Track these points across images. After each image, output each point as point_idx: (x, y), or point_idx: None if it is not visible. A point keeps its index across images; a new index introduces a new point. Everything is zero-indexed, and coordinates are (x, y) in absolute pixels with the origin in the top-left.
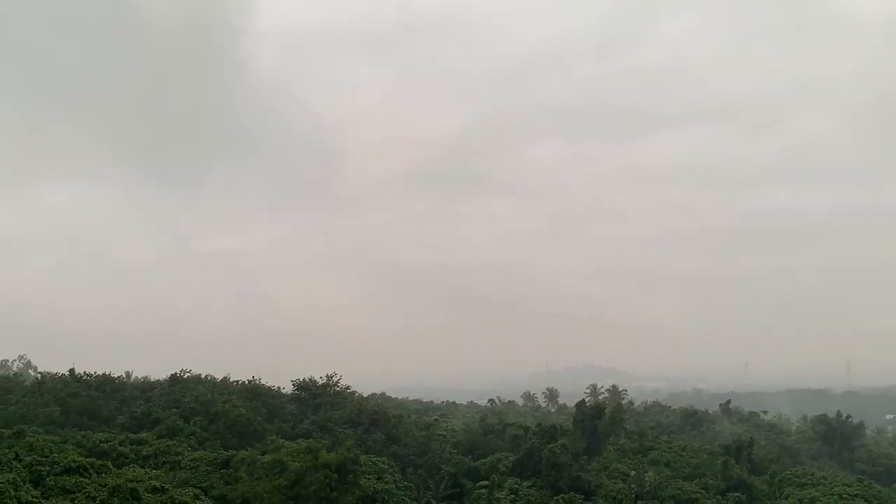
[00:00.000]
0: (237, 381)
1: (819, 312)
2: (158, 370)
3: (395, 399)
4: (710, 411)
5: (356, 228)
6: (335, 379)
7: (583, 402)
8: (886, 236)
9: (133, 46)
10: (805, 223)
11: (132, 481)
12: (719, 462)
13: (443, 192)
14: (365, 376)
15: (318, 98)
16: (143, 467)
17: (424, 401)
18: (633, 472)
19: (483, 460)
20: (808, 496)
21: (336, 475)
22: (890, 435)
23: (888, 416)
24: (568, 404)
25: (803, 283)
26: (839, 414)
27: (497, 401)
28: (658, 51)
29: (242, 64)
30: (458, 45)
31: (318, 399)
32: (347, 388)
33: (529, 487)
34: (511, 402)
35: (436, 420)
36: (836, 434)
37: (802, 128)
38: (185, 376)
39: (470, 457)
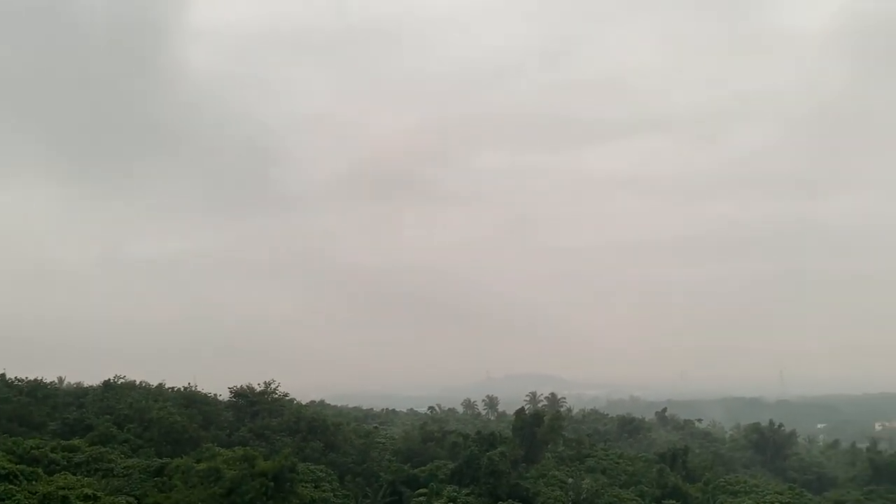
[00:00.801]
0: (172, 388)
1: (755, 322)
2: (92, 376)
3: (335, 406)
4: (647, 419)
5: (298, 233)
6: (273, 386)
7: (522, 409)
8: (821, 249)
9: (59, 43)
10: (743, 234)
11: (63, 489)
12: (655, 470)
13: (388, 197)
14: (304, 384)
15: (257, 100)
16: (74, 474)
17: (364, 408)
18: (570, 480)
19: (422, 468)
20: None
21: (272, 483)
22: (821, 444)
23: (819, 426)
24: (508, 412)
25: (740, 294)
26: (772, 423)
27: (437, 408)
28: (601, 62)
29: (176, 64)
30: (405, 52)
31: (256, 406)
32: (286, 395)
33: (468, 495)
34: (451, 410)
35: (375, 428)
36: (768, 442)
37: (741, 140)
38: (119, 382)
39: (409, 464)
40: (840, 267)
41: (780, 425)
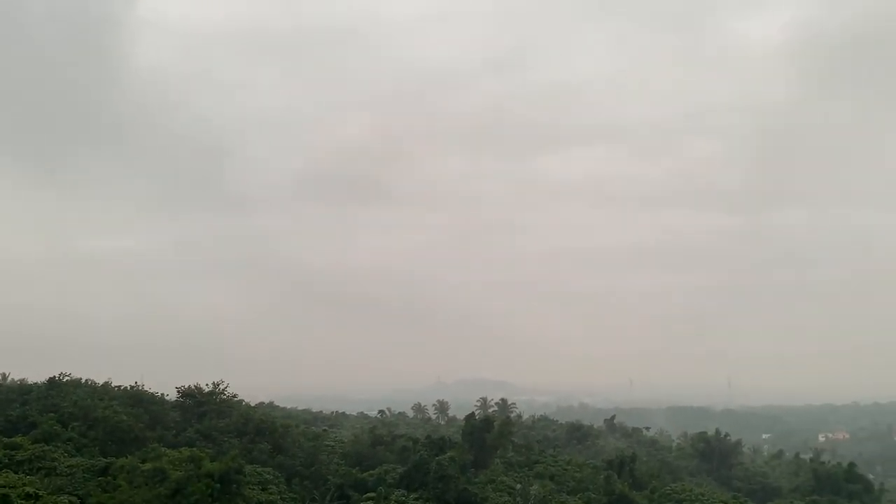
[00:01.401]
0: (119, 387)
1: (703, 332)
2: (36, 373)
3: (284, 409)
4: (596, 426)
5: (249, 232)
6: (222, 387)
7: (472, 414)
8: (767, 260)
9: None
10: (693, 245)
11: (4, 487)
12: (602, 476)
13: (341, 199)
14: (254, 385)
15: (209, 98)
16: (16, 473)
17: (314, 411)
18: (518, 486)
19: (371, 472)
20: None
21: (219, 485)
22: (765, 454)
23: (764, 436)
24: (458, 417)
25: (689, 303)
26: (718, 432)
27: (387, 412)
28: (557, 71)
29: (126, 58)
30: (360, 55)
31: (203, 407)
32: (234, 396)
33: (416, 499)
34: (402, 414)
35: (324, 430)
36: (714, 451)
37: (692, 152)
38: (65, 380)
39: (357, 468)
40: (785, 278)
41: (726, 434)
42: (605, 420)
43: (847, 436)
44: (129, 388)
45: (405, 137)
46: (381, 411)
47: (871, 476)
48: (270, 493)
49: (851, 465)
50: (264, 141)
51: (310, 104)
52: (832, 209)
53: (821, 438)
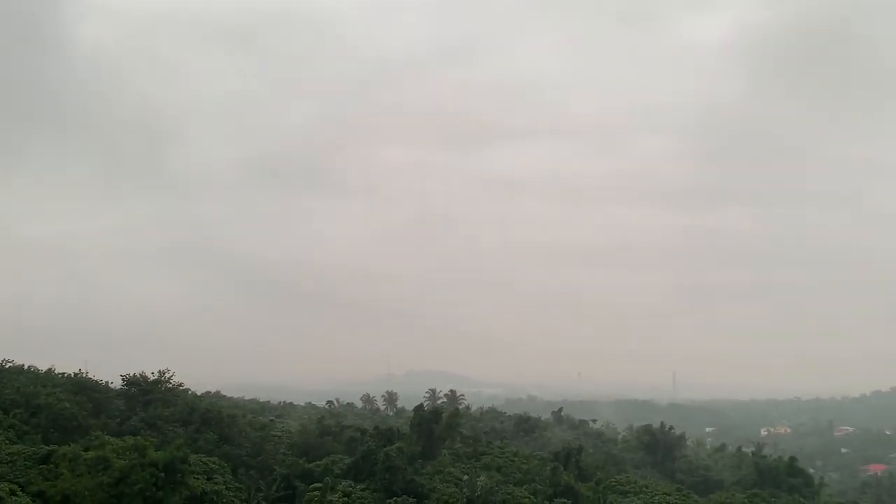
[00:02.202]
0: (62, 374)
1: (649, 327)
2: None
3: (231, 398)
4: (543, 418)
5: (195, 219)
6: (167, 375)
7: (421, 406)
8: (714, 258)
9: None
10: (640, 242)
11: None
12: (549, 468)
13: (290, 188)
14: (201, 374)
15: (155, 81)
16: None
17: (261, 400)
18: (465, 477)
19: (318, 462)
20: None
21: (163, 474)
22: (709, 447)
23: (708, 430)
24: (407, 408)
25: (637, 299)
26: (663, 425)
27: (336, 403)
28: (506, 65)
29: (69, 37)
30: (313, 42)
31: (148, 396)
32: (180, 385)
33: (363, 490)
34: (350, 405)
35: (271, 420)
36: (658, 444)
37: (639, 150)
38: (7, 366)
39: (304, 459)
40: (731, 277)
41: (671, 428)
42: (553, 412)
43: (788, 430)
44: (72, 375)
45: (354, 127)
46: (329, 402)
47: (811, 470)
48: (216, 483)
49: (792, 459)
50: (211, 126)
51: (258, 90)
52: (778, 208)
53: (763, 433)
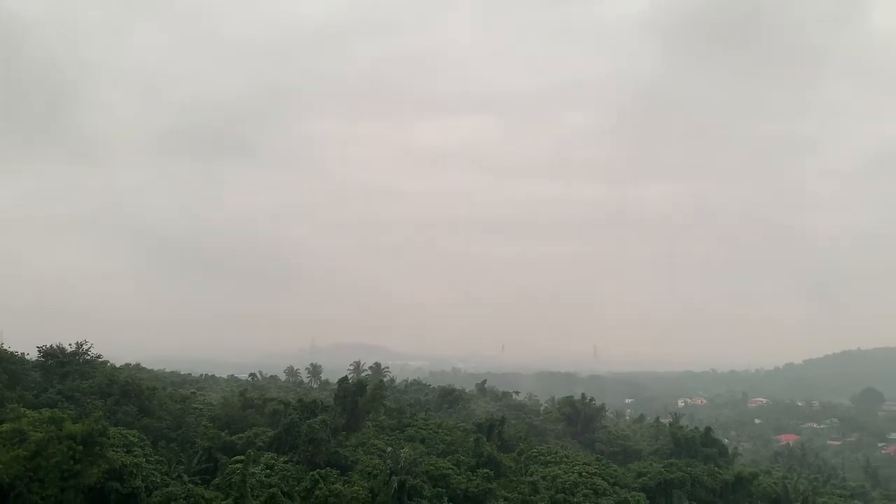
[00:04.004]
0: None
1: (572, 301)
2: None
3: (151, 370)
4: (467, 390)
5: (110, 187)
6: (85, 347)
7: (345, 378)
8: (634, 232)
9: None
10: (565, 215)
11: None
12: (472, 439)
13: (209, 157)
14: (120, 346)
15: (77, 45)
16: None
17: (182, 373)
18: (389, 449)
19: (240, 435)
20: (551, 473)
21: (81, 447)
22: (628, 418)
23: (627, 401)
24: (331, 380)
25: (560, 272)
26: (583, 396)
27: (259, 375)
28: (438, 39)
29: None
30: (237, 9)
31: (66, 368)
32: (98, 357)
33: (286, 462)
34: (273, 377)
35: (193, 393)
36: (579, 415)
37: (565, 125)
38: None
39: (226, 431)
40: (651, 250)
41: (591, 399)
42: (477, 384)
43: (705, 401)
44: None
45: (278, 96)
46: (252, 374)
47: (725, 440)
48: (135, 456)
49: (708, 429)
50: (129, 93)
51: (180, 57)
52: (696, 184)
53: (680, 404)
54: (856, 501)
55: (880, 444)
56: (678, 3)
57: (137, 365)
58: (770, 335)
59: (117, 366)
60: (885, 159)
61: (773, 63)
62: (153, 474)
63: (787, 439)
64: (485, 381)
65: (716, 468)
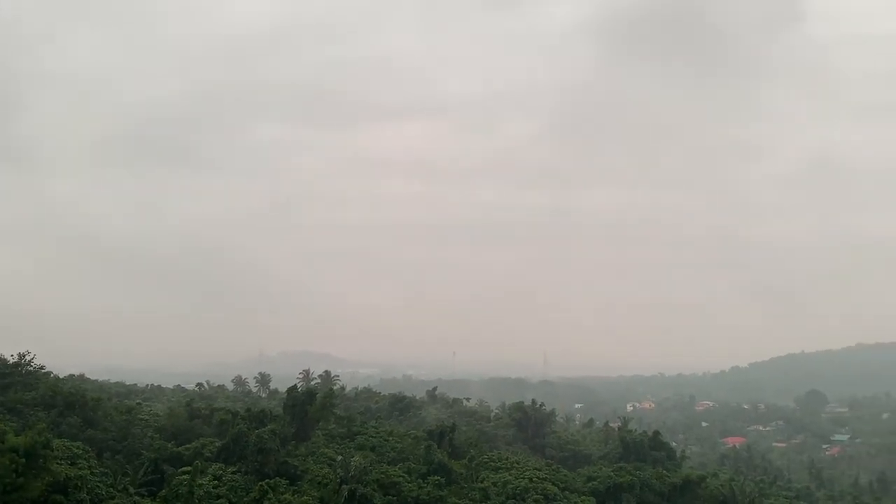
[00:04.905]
0: None
1: (523, 306)
2: None
3: (95, 381)
4: (418, 397)
5: (45, 195)
6: (27, 358)
7: (294, 387)
8: (579, 238)
9: None
10: (510, 221)
11: None
12: (423, 446)
13: (149, 164)
14: (63, 357)
15: (11, 50)
16: None
17: (128, 384)
18: (339, 457)
19: (187, 446)
20: (502, 479)
21: (24, 460)
22: (578, 423)
23: (577, 405)
24: (280, 389)
25: (509, 278)
26: (534, 402)
27: (206, 385)
28: (383, 44)
29: None
30: (178, 15)
31: (7, 379)
32: (42, 368)
33: (234, 473)
34: (221, 387)
35: (138, 404)
36: (529, 421)
37: (507, 130)
38: None
39: (173, 442)
40: (597, 256)
41: (542, 405)
42: (428, 391)
43: (653, 405)
44: None
45: (220, 102)
46: (199, 384)
47: (673, 443)
48: (80, 469)
49: (656, 433)
50: (66, 99)
51: (119, 62)
52: (642, 189)
53: (629, 408)
54: (801, 502)
55: (824, 446)
56: (622, 9)
57: (81, 376)
58: (716, 339)
59: (61, 377)
60: (825, 165)
61: (714, 69)
62: (98, 487)
63: (734, 442)
64: (435, 388)
65: (664, 471)
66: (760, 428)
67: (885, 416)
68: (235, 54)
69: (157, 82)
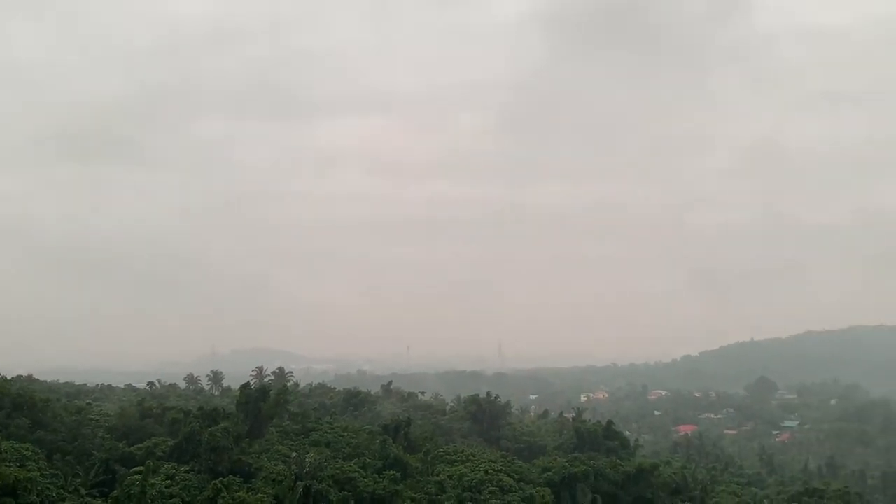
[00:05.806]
0: None
1: (474, 300)
2: None
3: (44, 382)
4: (373, 392)
5: None
6: None
7: (247, 384)
8: (531, 232)
9: None
10: (462, 216)
11: None
12: (378, 441)
13: (92, 162)
14: (10, 357)
15: None
16: None
17: (77, 384)
18: (294, 454)
19: (139, 445)
20: (458, 472)
21: None
22: (532, 414)
23: (532, 397)
24: (234, 387)
25: (462, 273)
26: (489, 394)
27: (157, 384)
28: (330, 39)
29: None
30: (118, 9)
31: None
32: None
33: (187, 472)
34: (173, 386)
35: (88, 404)
36: (485, 413)
37: (460, 125)
38: None
39: (125, 442)
40: (549, 250)
41: (497, 397)
42: (383, 386)
43: (606, 395)
44: None
45: (164, 97)
46: (150, 383)
47: (627, 433)
48: (29, 471)
49: (610, 423)
50: (3, 94)
51: (59, 57)
52: (591, 183)
53: (583, 398)
54: (752, 488)
55: (774, 432)
56: (571, 1)
57: (30, 376)
58: (668, 329)
59: (8, 378)
60: (771, 153)
61: (663, 60)
62: (49, 489)
63: (686, 430)
64: (390, 383)
65: (618, 461)
66: (712, 416)
67: (833, 401)
68: (179, 50)
69: (99, 79)
